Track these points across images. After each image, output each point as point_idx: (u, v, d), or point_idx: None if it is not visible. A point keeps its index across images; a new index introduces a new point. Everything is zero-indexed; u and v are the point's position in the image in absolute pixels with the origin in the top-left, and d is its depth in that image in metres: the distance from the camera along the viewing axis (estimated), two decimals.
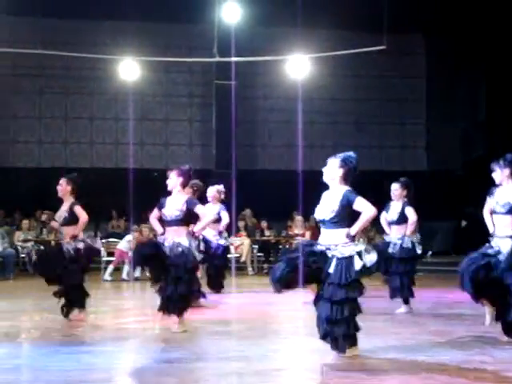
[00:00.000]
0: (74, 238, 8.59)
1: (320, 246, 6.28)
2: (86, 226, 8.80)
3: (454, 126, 19.89)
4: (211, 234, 11.24)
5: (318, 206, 6.37)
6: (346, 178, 6.33)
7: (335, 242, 6.19)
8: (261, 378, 5.63)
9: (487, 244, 7.08)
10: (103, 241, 16.01)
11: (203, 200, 10.43)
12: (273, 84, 19.55)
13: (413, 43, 20.84)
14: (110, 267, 14.87)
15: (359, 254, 6.19)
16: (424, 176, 19.80)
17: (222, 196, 11.63)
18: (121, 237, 15.77)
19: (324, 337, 6.26)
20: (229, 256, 15.49)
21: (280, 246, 17.53)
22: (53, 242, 15.07)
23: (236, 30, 17.37)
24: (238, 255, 16.37)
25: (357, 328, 6.26)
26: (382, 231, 10.27)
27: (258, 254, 16.99)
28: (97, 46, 17.99)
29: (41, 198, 15.32)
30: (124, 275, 14.63)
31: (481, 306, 7.33)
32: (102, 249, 15.57)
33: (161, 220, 7.89)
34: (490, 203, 7.17)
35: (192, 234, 7.69)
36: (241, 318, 9.31)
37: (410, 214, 9.38)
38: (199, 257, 7.90)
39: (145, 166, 19.33)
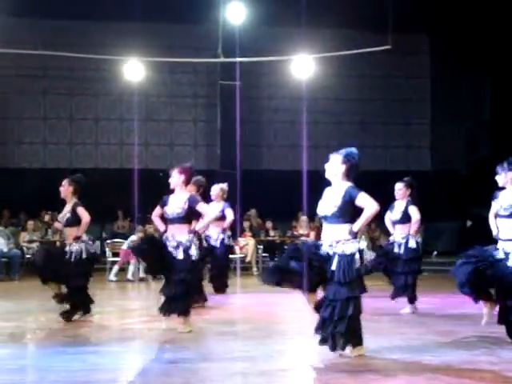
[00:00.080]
0: (77, 239, 8.60)
1: (323, 247, 6.27)
2: (89, 226, 8.79)
3: (459, 126, 19.85)
4: (215, 232, 11.21)
5: (320, 201, 6.37)
6: (348, 174, 6.32)
7: (337, 238, 6.18)
8: (266, 379, 5.63)
9: (494, 246, 7.06)
10: (108, 241, 16.04)
11: (207, 198, 10.41)
12: (277, 84, 19.55)
13: (417, 43, 20.81)
14: (115, 268, 14.89)
15: (360, 251, 6.19)
16: (429, 176, 19.78)
17: (225, 196, 11.59)
18: (126, 237, 15.78)
19: (324, 340, 6.24)
20: (234, 256, 15.58)
21: (285, 247, 17.54)
22: (58, 243, 15.08)
23: (240, 30, 17.38)
24: (243, 255, 16.38)
25: (360, 326, 6.25)
26: (386, 231, 10.27)
27: (263, 255, 16.98)
28: (101, 47, 17.99)
29: (46, 198, 15.31)
30: (129, 276, 14.64)
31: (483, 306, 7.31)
32: (107, 249, 15.62)
33: (163, 218, 7.89)
34: (495, 207, 7.17)
35: (194, 232, 7.69)
36: (246, 318, 9.31)
37: (414, 213, 9.39)
38: (201, 254, 7.87)
39: (149, 167, 19.34)
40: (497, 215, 7.12)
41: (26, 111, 19.56)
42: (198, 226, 7.83)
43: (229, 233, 11.59)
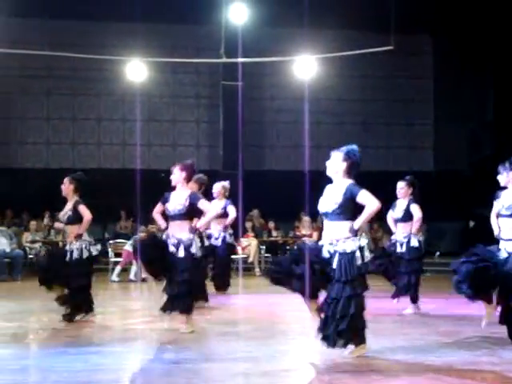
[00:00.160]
0: (79, 237, 8.60)
1: (324, 246, 6.26)
2: (91, 226, 8.80)
3: (462, 127, 19.84)
4: (216, 230, 11.20)
5: (321, 198, 6.36)
6: (349, 172, 6.32)
7: (338, 236, 6.18)
8: (269, 379, 5.64)
9: (496, 246, 7.06)
10: (111, 242, 16.06)
11: (209, 196, 10.40)
12: (280, 85, 19.55)
13: (420, 44, 20.80)
14: (118, 268, 14.90)
15: (361, 248, 6.18)
16: (431, 176, 19.78)
17: (227, 193, 11.58)
18: (129, 238, 15.80)
19: (325, 338, 6.23)
20: (236, 257, 15.58)
21: (288, 247, 17.55)
22: (60, 244, 15.09)
23: (243, 30, 17.38)
24: (245, 256, 16.39)
25: (363, 325, 6.24)
26: (389, 231, 10.26)
27: (266, 255, 16.99)
28: (104, 48, 18.02)
29: (49, 198, 15.30)
30: (131, 276, 14.65)
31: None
32: (110, 250, 15.63)
33: (164, 215, 7.88)
34: (496, 207, 7.17)
35: (195, 230, 7.67)
36: (248, 318, 9.31)
37: (415, 211, 9.38)
38: (202, 251, 7.86)
39: (152, 167, 19.35)
40: (498, 215, 7.12)
41: (29, 111, 19.59)
42: (199, 223, 7.81)
43: (230, 231, 11.55)
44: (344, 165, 6.30)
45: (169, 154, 20.04)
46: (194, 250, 7.57)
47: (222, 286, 11.64)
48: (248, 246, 16.53)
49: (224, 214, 11.20)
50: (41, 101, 19.65)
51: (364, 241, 6.25)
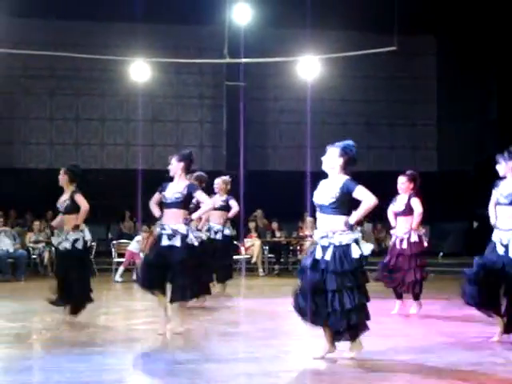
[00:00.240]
0: (76, 227, 8.61)
1: (316, 238, 6.25)
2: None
3: (465, 127, 19.83)
4: (216, 224, 11.16)
5: (315, 191, 6.34)
6: (345, 167, 6.30)
7: (333, 230, 6.17)
8: (271, 380, 5.64)
9: (491, 242, 7.07)
10: (114, 242, 16.07)
11: (209, 194, 10.36)
12: (283, 85, 19.55)
13: (423, 44, 20.79)
14: (121, 268, 14.91)
15: (356, 241, 6.16)
16: (435, 177, 19.76)
17: (229, 186, 11.55)
18: (132, 238, 15.80)
19: (324, 327, 6.21)
20: (239, 257, 15.59)
21: (291, 247, 17.56)
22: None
23: (246, 31, 17.40)
24: (248, 256, 16.39)
25: (363, 319, 6.22)
26: (390, 227, 10.21)
27: (269, 255, 16.99)
28: (107, 48, 18.04)
29: (52, 199, 15.31)
30: (135, 276, 14.63)
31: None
32: (113, 250, 15.65)
33: (160, 205, 7.85)
34: (495, 195, 7.18)
35: (190, 220, 7.61)
36: (251, 319, 9.31)
37: (416, 205, 9.34)
38: (198, 240, 7.82)
39: (155, 167, 19.34)
40: (497, 203, 7.13)
41: (32, 111, 19.62)
42: (194, 214, 7.77)
43: (228, 224, 11.47)
44: (340, 160, 6.29)
45: (172, 155, 20.01)
46: (190, 239, 7.53)
47: (224, 277, 11.59)
48: (251, 247, 16.53)
49: (225, 208, 11.19)
50: (44, 101, 19.68)
51: (358, 234, 6.21)
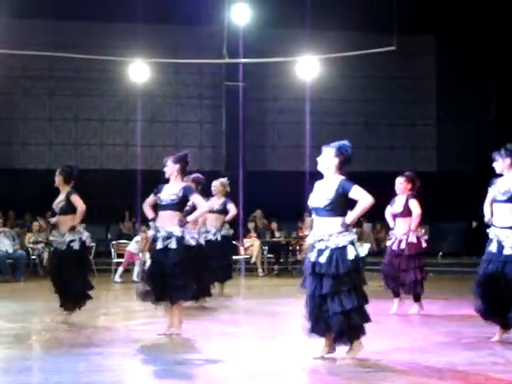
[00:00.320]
0: (73, 229, 8.58)
1: (311, 241, 6.25)
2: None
3: (464, 127, 19.84)
4: (213, 227, 11.14)
5: (311, 194, 6.34)
6: (341, 168, 6.30)
7: (329, 232, 6.16)
8: (271, 380, 5.64)
9: (488, 241, 7.09)
10: (114, 242, 16.07)
11: (206, 196, 10.36)
12: (282, 85, 19.55)
13: (422, 44, 20.79)
14: (120, 269, 14.91)
15: (352, 243, 6.16)
16: (434, 177, 19.76)
17: (228, 189, 11.53)
18: (131, 238, 15.80)
19: (327, 330, 6.20)
20: (239, 257, 15.59)
21: (290, 248, 17.57)
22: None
23: (245, 31, 17.40)
24: (248, 256, 16.39)
25: (362, 320, 6.21)
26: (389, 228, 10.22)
27: (269, 256, 17.00)
28: (107, 48, 18.02)
29: (51, 199, 15.32)
30: (134, 276, 14.65)
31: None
32: (112, 250, 15.65)
33: (154, 207, 7.81)
34: (491, 193, 7.18)
35: (185, 223, 7.56)
36: (251, 319, 9.31)
37: (414, 206, 9.33)
38: (194, 240, 7.80)
39: (154, 168, 19.27)
40: (494, 201, 7.13)
41: (31, 112, 19.60)
42: (190, 216, 7.73)
43: (227, 226, 11.44)
44: (336, 160, 6.29)
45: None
46: (186, 240, 7.50)
47: (223, 277, 11.57)
48: (251, 247, 16.54)
49: (222, 211, 11.17)
50: (43, 101, 19.67)
51: (354, 236, 6.21)
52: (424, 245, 9.46)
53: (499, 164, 7.10)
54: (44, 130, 19.73)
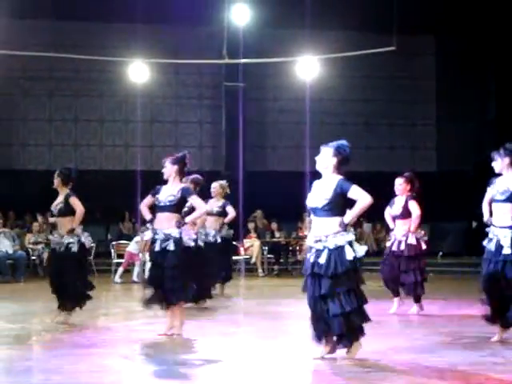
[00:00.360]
0: (72, 231, 8.58)
1: (310, 242, 6.25)
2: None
3: (464, 127, 19.85)
4: (212, 229, 11.13)
5: (309, 194, 6.33)
6: (339, 167, 6.29)
7: (327, 232, 6.14)
8: (271, 380, 5.64)
9: (486, 239, 7.09)
10: (113, 243, 16.07)
11: (204, 197, 10.36)
12: (282, 85, 19.54)
13: (422, 44, 20.79)
14: (120, 269, 14.91)
15: (350, 243, 6.15)
16: (434, 177, 19.76)
17: (227, 191, 11.52)
18: (131, 239, 15.80)
19: (325, 333, 6.21)
20: (239, 258, 15.60)
21: (290, 248, 17.57)
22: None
23: (245, 31, 17.40)
24: (248, 257, 16.39)
25: (361, 321, 6.21)
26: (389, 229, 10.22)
27: (268, 256, 17.00)
28: (106, 49, 18.03)
29: (51, 200, 15.33)
30: (134, 277, 14.65)
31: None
32: (112, 251, 15.65)
33: (152, 209, 7.79)
34: (490, 192, 7.18)
35: (183, 224, 7.54)
36: (251, 319, 9.31)
37: (414, 208, 9.32)
38: (193, 241, 7.79)
39: (154, 168, 19.25)
40: (492, 200, 7.13)
41: (31, 113, 19.60)
42: (187, 218, 7.71)
43: (226, 227, 11.42)
44: (334, 160, 6.28)
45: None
46: (184, 241, 7.48)
47: (223, 278, 11.56)
48: (251, 247, 16.54)
49: (222, 214, 11.17)
50: (43, 102, 19.67)
51: (352, 236, 6.20)
52: (424, 246, 9.45)
53: (498, 163, 7.11)
54: (44, 131, 19.73)
